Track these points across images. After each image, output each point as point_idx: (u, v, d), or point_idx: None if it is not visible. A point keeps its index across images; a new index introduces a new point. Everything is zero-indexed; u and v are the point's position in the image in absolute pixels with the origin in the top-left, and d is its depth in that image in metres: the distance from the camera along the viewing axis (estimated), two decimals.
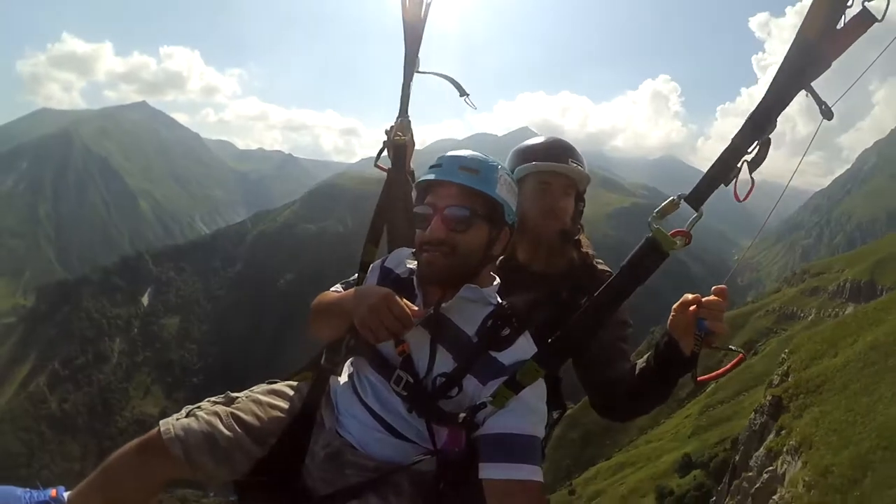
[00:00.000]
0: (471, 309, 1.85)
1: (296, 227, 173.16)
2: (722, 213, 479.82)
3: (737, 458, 17.67)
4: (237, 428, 1.88)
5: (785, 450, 12.47)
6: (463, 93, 2.54)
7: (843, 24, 1.34)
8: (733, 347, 1.78)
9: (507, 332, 1.78)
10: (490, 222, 1.84)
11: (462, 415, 1.72)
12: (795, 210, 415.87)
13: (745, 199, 1.53)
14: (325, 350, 2.08)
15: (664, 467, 44.83)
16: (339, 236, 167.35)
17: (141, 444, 1.85)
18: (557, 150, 2.26)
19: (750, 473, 14.94)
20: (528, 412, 1.71)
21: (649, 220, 1.59)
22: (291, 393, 2.08)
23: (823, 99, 1.40)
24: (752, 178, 1.50)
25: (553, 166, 2.23)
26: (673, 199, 1.58)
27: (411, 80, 2.47)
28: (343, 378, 2.05)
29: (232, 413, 1.92)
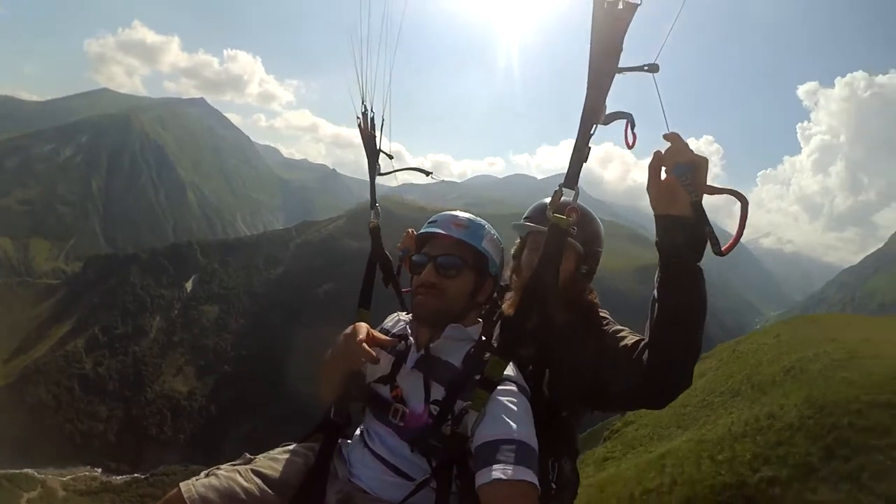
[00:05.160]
0: (457, 346, 2.03)
1: (340, 241, 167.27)
2: (752, 284, 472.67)
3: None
4: (256, 479, 2.00)
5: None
6: (428, 174, 2.99)
7: (616, 15, 1.69)
8: (732, 189, 1.62)
9: (487, 356, 1.93)
10: (476, 271, 2.08)
11: (449, 427, 1.84)
12: (823, 285, 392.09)
13: (632, 146, 1.76)
14: (333, 406, 2.24)
15: None
16: None
17: None
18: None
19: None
20: (508, 417, 1.77)
21: (546, 212, 1.91)
22: (306, 451, 2.22)
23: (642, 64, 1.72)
24: (634, 133, 1.76)
25: (539, 228, 2.33)
26: (556, 191, 1.86)
27: (375, 181, 2.80)
28: (353, 436, 2.24)
29: (251, 469, 2.05)
